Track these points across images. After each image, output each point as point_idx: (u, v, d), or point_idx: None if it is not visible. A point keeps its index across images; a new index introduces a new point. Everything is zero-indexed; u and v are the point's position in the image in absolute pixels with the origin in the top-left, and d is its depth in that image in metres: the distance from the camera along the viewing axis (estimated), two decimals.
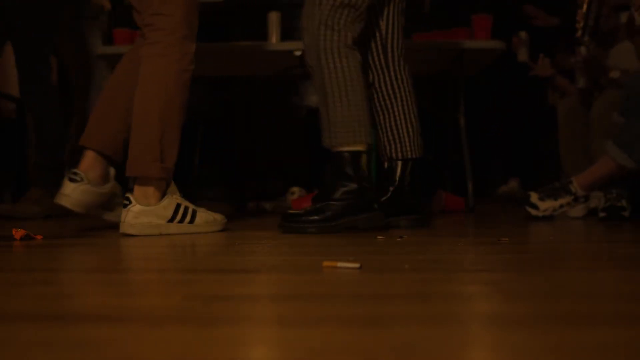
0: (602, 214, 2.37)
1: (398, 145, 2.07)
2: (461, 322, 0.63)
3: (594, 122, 2.76)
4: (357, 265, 1.02)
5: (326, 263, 1.04)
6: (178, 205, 1.75)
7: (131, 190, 1.76)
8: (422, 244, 1.44)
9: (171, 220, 1.73)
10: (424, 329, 0.60)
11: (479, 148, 4.27)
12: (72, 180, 1.79)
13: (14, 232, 1.57)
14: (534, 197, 2.33)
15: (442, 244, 1.47)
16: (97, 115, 1.89)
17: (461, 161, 3.24)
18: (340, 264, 1.02)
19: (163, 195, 1.75)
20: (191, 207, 1.79)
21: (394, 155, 2.07)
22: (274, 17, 3.23)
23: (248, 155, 4.83)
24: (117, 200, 1.91)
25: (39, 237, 1.61)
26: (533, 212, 2.31)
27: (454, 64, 3.31)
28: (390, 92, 2.05)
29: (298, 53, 3.12)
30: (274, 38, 3.24)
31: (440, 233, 1.81)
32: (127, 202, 1.70)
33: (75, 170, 1.81)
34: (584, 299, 0.76)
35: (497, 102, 4.32)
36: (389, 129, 2.08)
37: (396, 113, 2.07)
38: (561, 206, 2.31)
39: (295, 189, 3.44)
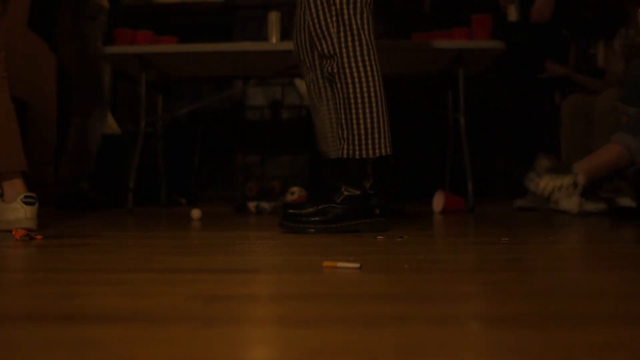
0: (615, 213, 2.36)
1: (325, 144, 2.10)
2: (461, 322, 0.63)
3: (596, 120, 2.76)
4: (357, 265, 1.02)
5: (326, 263, 1.04)
6: None
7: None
8: (422, 244, 1.44)
9: None
10: (424, 329, 0.60)
11: (479, 148, 4.27)
12: (31, 203, 1.85)
13: (14, 232, 1.57)
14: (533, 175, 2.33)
15: (442, 244, 1.47)
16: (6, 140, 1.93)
17: (461, 161, 3.24)
18: (340, 264, 1.02)
19: None
20: None
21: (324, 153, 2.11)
22: (274, 17, 3.23)
23: (248, 155, 4.83)
24: None
25: (39, 237, 1.61)
26: (532, 185, 2.30)
27: (454, 64, 3.31)
28: (321, 92, 2.04)
29: None
30: (274, 38, 3.25)
31: (440, 233, 1.81)
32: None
33: (30, 194, 1.86)
34: (584, 299, 0.76)
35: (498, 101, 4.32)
36: (319, 127, 2.11)
37: (323, 112, 2.08)
38: (560, 188, 2.28)
39: (295, 189, 3.44)
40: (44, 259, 1.22)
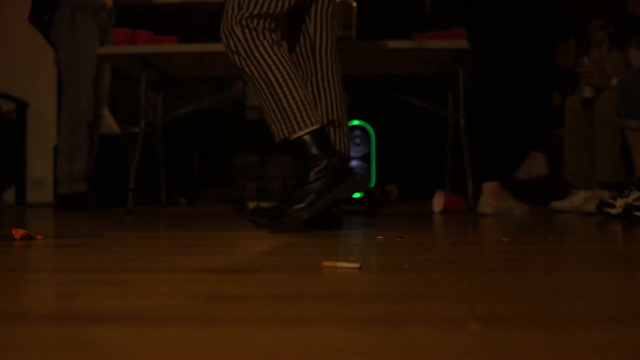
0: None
1: None
2: (461, 322, 0.63)
3: (597, 121, 2.76)
4: (357, 265, 1.02)
5: (326, 263, 1.04)
6: None
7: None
8: (422, 244, 1.44)
9: None
10: (424, 329, 0.60)
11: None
12: None
13: (14, 232, 1.57)
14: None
15: (442, 244, 1.47)
16: None
17: (461, 161, 3.24)
18: (340, 264, 1.02)
19: None
20: None
21: None
22: None
23: (248, 155, 4.83)
24: None
25: (39, 237, 1.61)
26: (612, 212, 2.40)
27: (454, 64, 3.30)
28: (316, 93, 2.07)
29: None
30: None
31: (440, 233, 1.81)
32: None
33: None
34: (584, 299, 0.76)
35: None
36: None
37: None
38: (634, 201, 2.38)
39: None
40: (44, 259, 1.22)
